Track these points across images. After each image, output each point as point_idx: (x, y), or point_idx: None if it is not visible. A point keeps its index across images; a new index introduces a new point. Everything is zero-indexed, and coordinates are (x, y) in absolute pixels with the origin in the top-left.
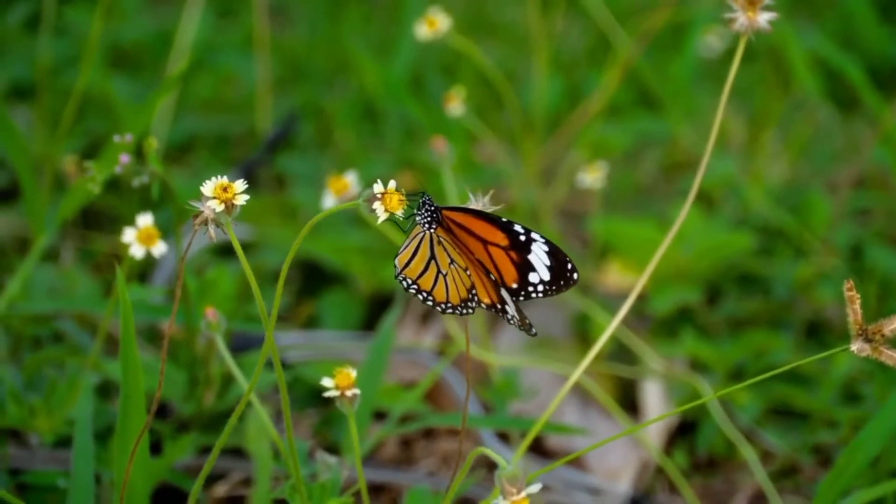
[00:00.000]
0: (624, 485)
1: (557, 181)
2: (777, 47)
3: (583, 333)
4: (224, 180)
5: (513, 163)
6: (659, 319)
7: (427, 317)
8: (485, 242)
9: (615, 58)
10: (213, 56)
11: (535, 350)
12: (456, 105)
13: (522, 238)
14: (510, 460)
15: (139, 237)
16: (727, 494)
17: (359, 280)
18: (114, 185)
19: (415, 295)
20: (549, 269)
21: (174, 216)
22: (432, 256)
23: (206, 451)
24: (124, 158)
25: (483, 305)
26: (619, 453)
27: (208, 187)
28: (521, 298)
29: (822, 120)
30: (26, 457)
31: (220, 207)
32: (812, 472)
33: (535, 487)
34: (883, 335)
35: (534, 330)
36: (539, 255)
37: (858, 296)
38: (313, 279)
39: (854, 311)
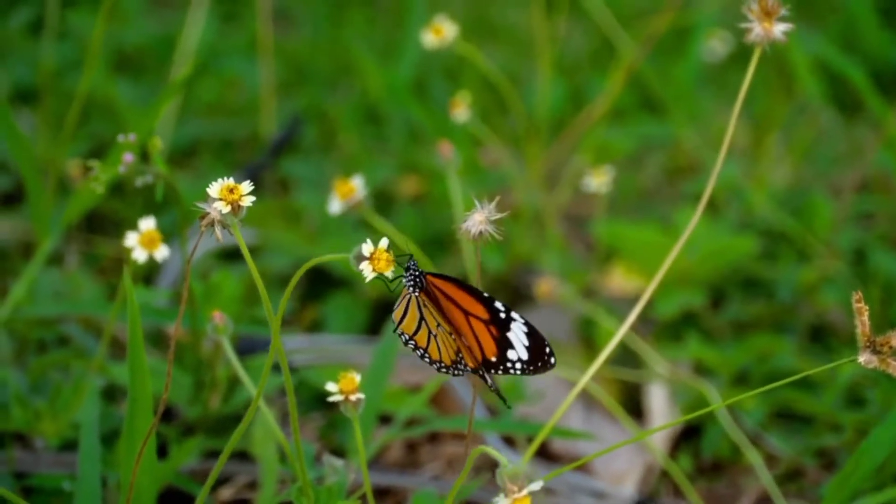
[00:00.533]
0: (629, 489)
1: (561, 185)
2: (780, 51)
3: (587, 337)
4: (230, 182)
5: (517, 167)
6: (663, 323)
7: None
8: (466, 313)
9: (618, 62)
10: (217, 60)
11: None
12: (462, 111)
13: (502, 315)
14: (516, 462)
15: (141, 241)
16: (732, 498)
17: (363, 284)
18: (118, 189)
19: (413, 350)
20: (528, 349)
21: (179, 219)
22: (422, 317)
23: (211, 454)
24: (128, 157)
25: (469, 369)
26: (624, 457)
27: (214, 189)
28: (500, 373)
29: (824, 124)
30: (31, 460)
31: (226, 209)
32: (816, 476)
33: (536, 485)
34: (891, 347)
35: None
36: (518, 335)
37: (867, 307)
38: (318, 283)
39: (862, 322)
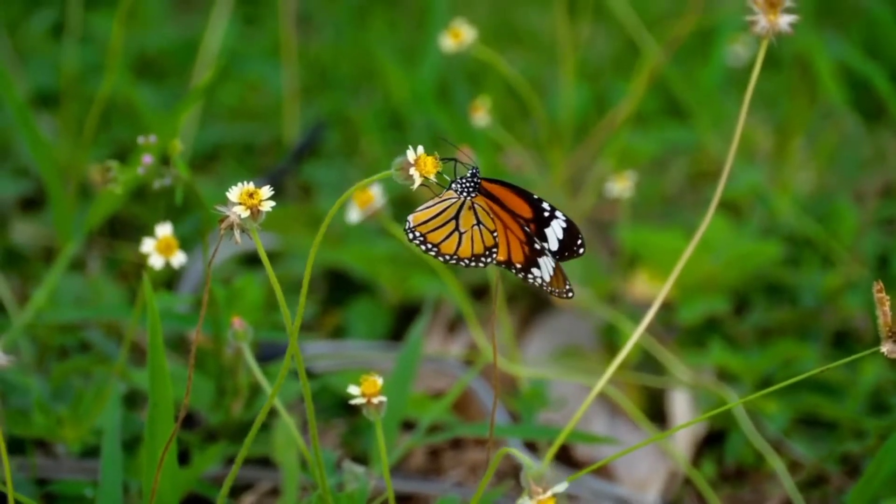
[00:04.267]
0: (652, 495)
1: (585, 190)
2: (803, 56)
3: (611, 344)
4: (250, 186)
5: (540, 172)
6: (686, 329)
7: (454, 326)
8: (512, 214)
9: (642, 66)
10: (240, 64)
11: (563, 360)
12: (481, 115)
13: (546, 214)
14: (540, 464)
15: (158, 247)
16: None
17: (386, 289)
18: (140, 194)
19: (418, 246)
20: (560, 241)
21: (201, 224)
22: (455, 218)
23: (233, 461)
24: (147, 159)
25: (496, 262)
26: (647, 463)
27: (234, 193)
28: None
29: (848, 129)
30: (53, 466)
31: (245, 213)
32: (840, 482)
33: (560, 486)
34: None
35: (571, 293)
36: (555, 230)
37: (888, 297)
38: (340, 288)
39: (884, 312)
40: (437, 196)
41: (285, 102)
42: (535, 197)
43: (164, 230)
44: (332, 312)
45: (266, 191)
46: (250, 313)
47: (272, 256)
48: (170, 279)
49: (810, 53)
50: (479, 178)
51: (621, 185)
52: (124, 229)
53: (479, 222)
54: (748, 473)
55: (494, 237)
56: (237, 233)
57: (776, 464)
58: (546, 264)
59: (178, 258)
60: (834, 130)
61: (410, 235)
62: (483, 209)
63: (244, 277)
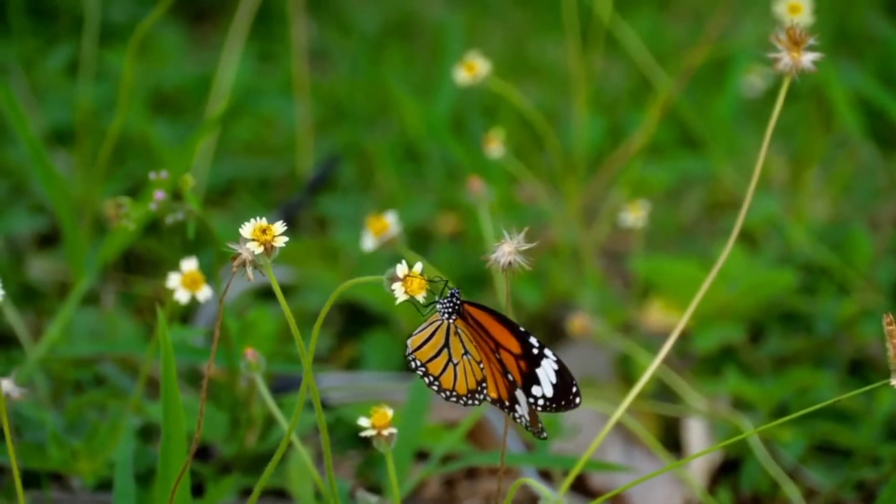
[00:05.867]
0: None
1: (599, 221)
2: (819, 86)
3: (626, 374)
4: (263, 222)
5: (554, 203)
6: (702, 358)
7: None
8: (498, 345)
9: (656, 97)
10: (254, 99)
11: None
12: (495, 147)
13: (535, 351)
14: (556, 495)
15: (184, 282)
16: None
17: (401, 321)
18: (155, 228)
19: (421, 377)
20: (554, 386)
21: (214, 258)
22: (446, 345)
23: (248, 492)
24: (159, 195)
25: (489, 399)
26: (663, 492)
27: (247, 229)
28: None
29: (863, 158)
30: (68, 500)
31: (259, 249)
32: None
33: None
34: None
35: (545, 434)
36: (547, 372)
37: None
38: (355, 321)
39: (893, 345)
40: (426, 318)
41: (300, 136)
42: (522, 329)
43: (190, 265)
44: (347, 345)
45: (279, 226)
46: (263, 346)
47: (287, 290)
48: (185, 313)
49: (825, 83)
50: (458, 299)
51: (635, 215)
52: (139, 264)
53: (466, 351)
54: (764, 501)
55: (482, 368)
56: (249, 270)
57: (792, 492)
58: (522, 399)
59: (204, 292)
60: (849, 159)
61: (413, 365)
62: (466, 335)
63: (257, 310)
